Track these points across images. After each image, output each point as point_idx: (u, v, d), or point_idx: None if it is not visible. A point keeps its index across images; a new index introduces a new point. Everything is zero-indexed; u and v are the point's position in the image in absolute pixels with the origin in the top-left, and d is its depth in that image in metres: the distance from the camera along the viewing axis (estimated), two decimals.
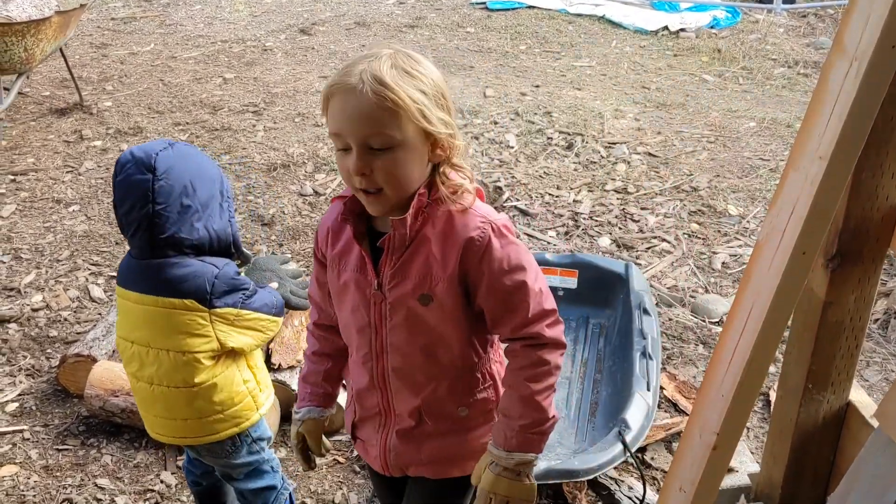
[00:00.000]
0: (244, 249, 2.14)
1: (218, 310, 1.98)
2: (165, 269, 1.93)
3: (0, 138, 4.84)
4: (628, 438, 2.49)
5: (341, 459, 2.77)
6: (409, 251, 1.47)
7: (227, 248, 2.05)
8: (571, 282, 3.35)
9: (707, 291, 3.56)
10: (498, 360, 1.67)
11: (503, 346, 1.65)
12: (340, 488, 2.66)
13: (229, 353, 2.04)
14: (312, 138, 4.97)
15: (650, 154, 4.78)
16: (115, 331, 3.11)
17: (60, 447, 2.80)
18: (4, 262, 3.82)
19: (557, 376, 1.55)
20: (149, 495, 2.61)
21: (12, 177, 4.55)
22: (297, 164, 4.68)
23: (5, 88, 4.88)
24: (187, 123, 5.24)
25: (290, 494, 2.31)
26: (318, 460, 1.84)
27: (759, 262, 1.56)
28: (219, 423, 2.06)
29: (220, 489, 2.36)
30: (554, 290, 3.35)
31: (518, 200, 4.30)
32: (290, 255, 3.77)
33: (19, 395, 3.04)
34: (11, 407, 2.98)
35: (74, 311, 3.49)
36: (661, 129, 5.12)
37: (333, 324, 1.71)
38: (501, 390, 1.63)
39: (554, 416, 1.55)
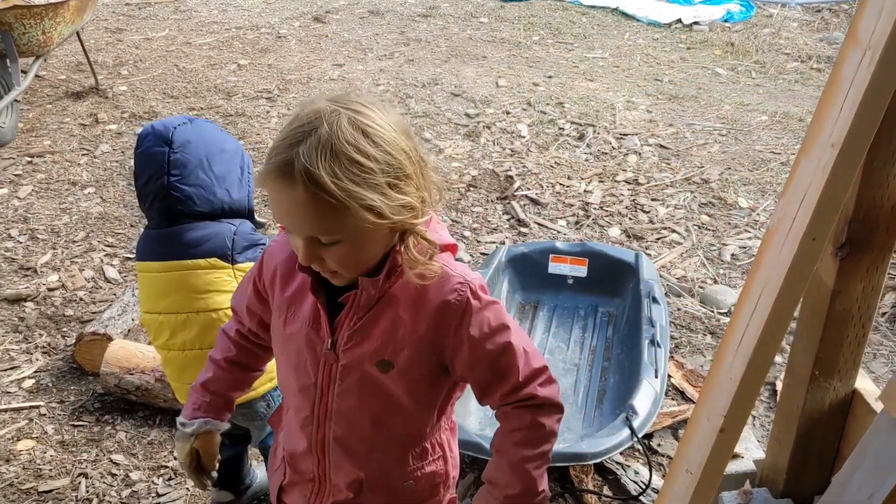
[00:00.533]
0: (257, 218, 2.18)
1: (240, 264, 2.03)
2: (184, 233, 1.98)
3: (17, 120, 4.89)
4: (635, 424, 2.52)
5: None
6: (373, 311, 1.30)
7: (241, 214, 2.10)
8: (581, 270, 3.38)
9: (716, 282, 3.59)
10: (448, 426, 1.51)
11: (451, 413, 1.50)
12: None
13: None
14: None
15: (662, 146, 4.79)
16: (130, 311, 3.17)
17: (76, 423, 2.84)
18: (21, 242, 3.87)
19: (553, 444, 1.39)
20: (162, 471, 2.65)
21: (29, 158, 4.60)
22: None
23: (23, 71, 4.91)
24: (202, 108, 5.27)
25: None
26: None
27: (770, 247, 1.58)
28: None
29: (237, 462, 2.41)
30: (563, 277, 3.39)
31: (529, 190, 4.32)
32: None
33: (35, 371, 3.09)
34: (28, 383, 3.03)
35: (90, 291, 3.53)
36: (672, 121, 5.14)
37: (259, 342, 1.57)
38: (450, 460, 1.51)
39: (544, 491, 1.38)
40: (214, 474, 1.64)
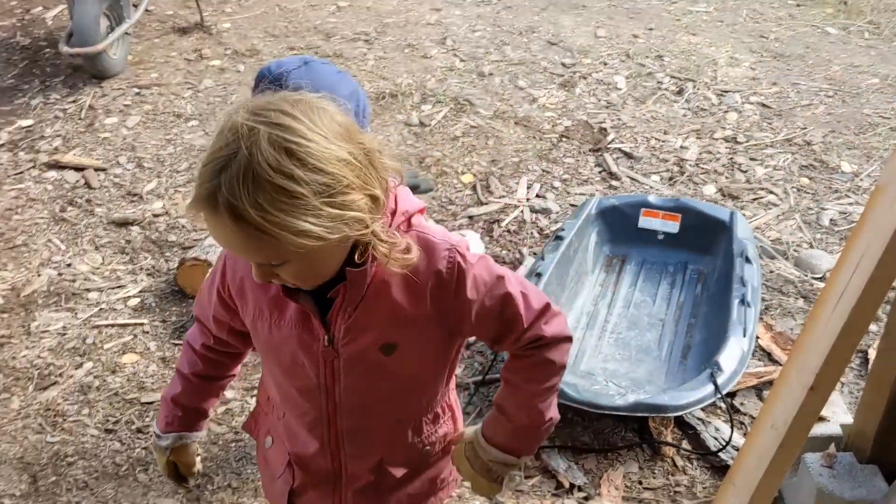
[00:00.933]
0: None
1: None
2: None
3: (127, 52, 5.07)
4: (720, 381, 2.51)
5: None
6: (366, 299, 1.23)
7: None
8: (673, 226, 3.35)
9: (812, 247, 3.50)
10: (452, 385, 1.51)
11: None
12: None
13: None
14: (421, 69, 5.02)
15: (764, 105, 4.65)
16: None
17: (176, 342, 3.00)
18: (128, 170, 4.05)
19: (561, 376, 1.40)
20: (254, 392, 2.79)
21: (137, 90, 4.78)
22: (404, 94, 4.75)
23: (134, 4, 5.08)
24: (301, 48, 5.35)
25: None
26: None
27: (877, 206, 1.55)
28: None
29: None
30: (653, 232, 3.37)
31: (623, 143, 4.27)
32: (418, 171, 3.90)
33: (140, 291, 3.26)
34: (133, 302, 3.20)
35: (191, 220, 3.69)
36: (777, 80, 4.96)
37: (229, 350, 1.51)
38: (458, 419, 1.53)
39: (551, 419, 1.41)
40: (196, 475, 1.64)
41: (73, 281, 3.30)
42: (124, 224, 3.63)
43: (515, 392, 1.39)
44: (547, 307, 1.35)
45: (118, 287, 3.28)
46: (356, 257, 1.19)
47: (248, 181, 1.01)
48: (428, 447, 1.46)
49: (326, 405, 1.34)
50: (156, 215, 3.70)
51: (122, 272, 3.37)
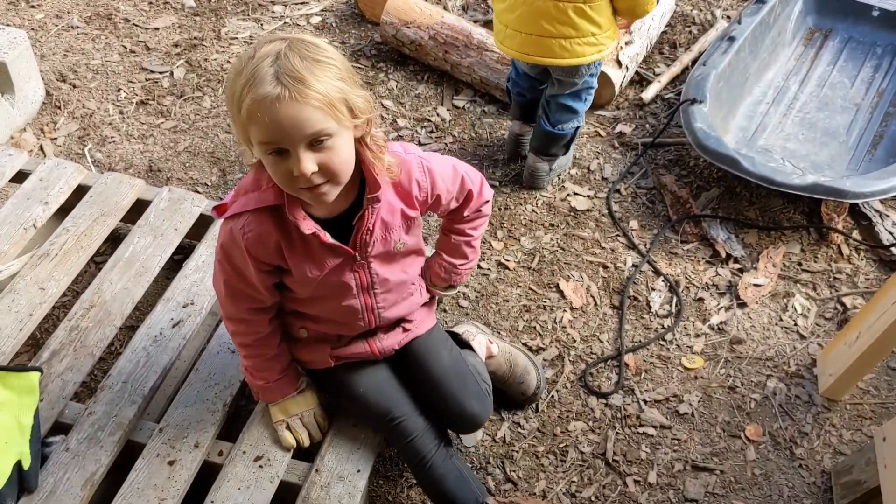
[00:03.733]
0: None
1: None
2: None
3: None
4: None
5: (602, 133, 2.85)
6: (375, 216, 1.51)
7: None
8: (891, 2, 3.01)
9: None
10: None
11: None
12: (597, 158, 2.77)
13: None
14: None
15: None
16: None
17: (354, 65, 3.06)
18: None
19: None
20: (425, 124, 2.85)
21: None
22: None
23: None
24: None
25: (576, 129, 2.52)
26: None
27: None
28: (587, 45, 2.21)
29: (536, 98, 2.57)
30: (868, 8, 3.06)
31: None
32: None
33: (322, 10, 3.29)
34: (315, 20, 3.25)
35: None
36: None
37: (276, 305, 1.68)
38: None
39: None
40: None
41: None
42: None
43: (461, 240, 1.77)
44: (481, 179, 1.71)
45: (301, 3, 3.32)
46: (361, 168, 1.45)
47: (297, 59, 1.25)
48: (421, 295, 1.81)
49: (365, 298, 1.65)
50: None
51: None
